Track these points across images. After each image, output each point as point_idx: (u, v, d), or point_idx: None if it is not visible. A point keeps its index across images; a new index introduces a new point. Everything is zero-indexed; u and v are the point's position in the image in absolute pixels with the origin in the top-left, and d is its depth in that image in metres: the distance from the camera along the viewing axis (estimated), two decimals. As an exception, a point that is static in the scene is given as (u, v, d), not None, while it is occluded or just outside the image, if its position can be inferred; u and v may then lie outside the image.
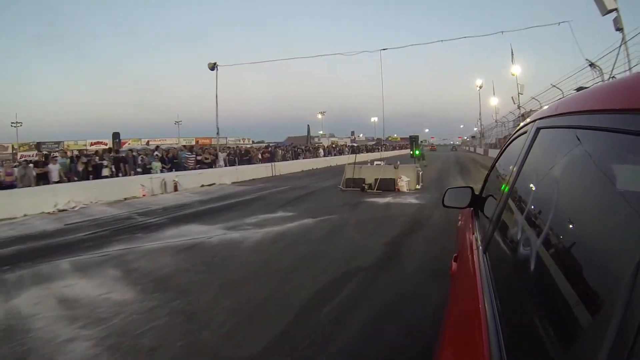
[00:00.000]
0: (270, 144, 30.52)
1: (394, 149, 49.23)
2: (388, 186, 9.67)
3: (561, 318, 0.53)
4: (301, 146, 25.20)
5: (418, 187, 9.96)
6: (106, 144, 29.46)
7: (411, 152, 16.06)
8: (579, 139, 0.73)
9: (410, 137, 17.06)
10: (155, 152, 13.04)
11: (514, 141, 1.42)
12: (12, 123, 35.73)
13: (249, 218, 6.41)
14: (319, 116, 54.62)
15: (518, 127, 1.40)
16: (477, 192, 1.78)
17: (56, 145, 32.43)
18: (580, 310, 0.47)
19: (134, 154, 12.87)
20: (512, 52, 26.13)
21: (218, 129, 16.85)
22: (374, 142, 55.23)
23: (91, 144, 31.98)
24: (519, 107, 23.13)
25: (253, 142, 38.32)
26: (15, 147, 32.83)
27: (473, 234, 1.44)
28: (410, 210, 6.80)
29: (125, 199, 9.63)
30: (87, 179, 10.05)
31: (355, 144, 44.96)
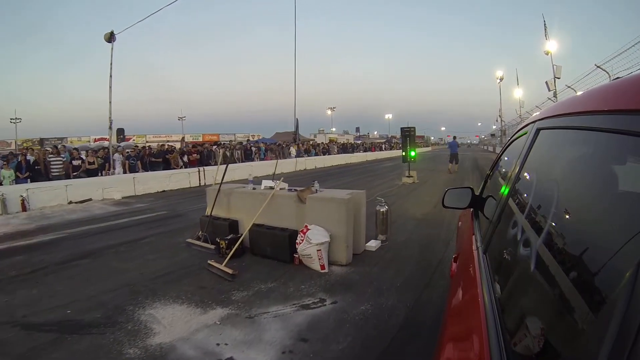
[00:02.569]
0: (247, 141, 25.69)
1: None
2: (278, 250, 3.88)
3: (561, 318, 0.53)
4: (258, 144, 19.39)
5: (373, 246, 4.17)
6: (109, 140, 28.78)
7: (403, 154, 10.37)
8: (579, 140, 0.74)
9: (403, 130, 10.63)
10: (17, 156, 9.40)
11: (514, 142, 1.42)
12: (11, 119, 34.89)
13: None
14: (329, 112, 51.58)
15: (518, 128, 1.40)
16: (477, 193, 1.78)
17: (59, 141, 31.82)
18: (580, 310, 0.47)
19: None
20: (544, 24, 18.17)
21: (111, 121, 11.29)
22: (384, 140, 54.00)
23: (95, 140, 31.46)
24: (555, 94, 16.62)
25: (265, 138, 36.54)
26: (19, 143, 32.43)
27: (473, 234, 1.44)
28: None
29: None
30: None
31: (359, 141, 38.36)
